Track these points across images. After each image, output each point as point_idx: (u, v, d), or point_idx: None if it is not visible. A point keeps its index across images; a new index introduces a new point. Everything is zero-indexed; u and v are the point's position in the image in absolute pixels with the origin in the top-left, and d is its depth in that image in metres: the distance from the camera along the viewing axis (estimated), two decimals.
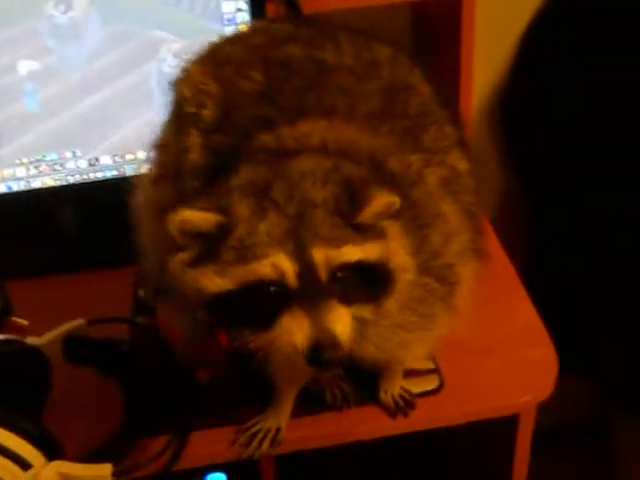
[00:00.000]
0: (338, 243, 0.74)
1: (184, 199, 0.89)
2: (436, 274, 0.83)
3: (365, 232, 0.75)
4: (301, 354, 0.73)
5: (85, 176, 1.29)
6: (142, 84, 1.23)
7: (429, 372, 1.09)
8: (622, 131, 1.31)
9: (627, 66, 1.30)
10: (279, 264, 0.73)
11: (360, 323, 0.77)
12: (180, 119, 0.93)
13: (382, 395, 1.06)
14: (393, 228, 0.77)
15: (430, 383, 1.08)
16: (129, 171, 1.30)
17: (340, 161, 0.78)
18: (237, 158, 0.82)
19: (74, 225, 1.34)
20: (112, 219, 1.31)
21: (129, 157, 1.29)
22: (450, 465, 1.36)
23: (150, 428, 1.03)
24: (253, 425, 1.03)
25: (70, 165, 1.28)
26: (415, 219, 0.81)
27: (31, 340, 1.09)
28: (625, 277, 1.32)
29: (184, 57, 1.21)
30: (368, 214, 0.74)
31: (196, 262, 0.76)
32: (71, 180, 1.30)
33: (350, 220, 0.74)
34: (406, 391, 1.06)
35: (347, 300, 0.75)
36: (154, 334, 1.16)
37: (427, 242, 0.82)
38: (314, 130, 0.82)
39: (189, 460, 1.00)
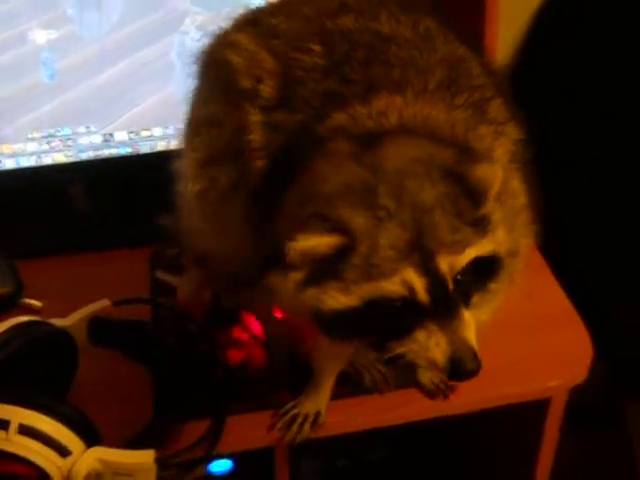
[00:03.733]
0: (461, 247, 0.72)
1: (249, 181, 0.86)
2: (509, 248, 0.80)
3: (479, 225, 0.73)
4: (441, 369, 0.72)
5: (99, 152, 1.25)
6: (163, 57, 1.19)
7: None
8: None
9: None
10: (409, 280, 0.71)
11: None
12: (230, 93, 0.88)
13: (422, 377, 1.04)
14: (497, 213, 0.75)
15: None
16: (144, 148, 1.26)
17: (429, 146, 0.75)
18: (312, 141, 0.79)
19: (85, 204, 1.29)
20: (125, 198, 1.29)
21: (145, 133, 1.25)
22: (476, 448, 1.35)
23: (184, 413, 1.00)
24: (292, 408, 1.00)
25: (83, 141, 1.24)
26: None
27: (56, 321, 1.05)
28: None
29: (208, 29, 1.18)
30: (488, 207, 0.73)
31: (314, 280, 0.73)
32: (83, 157, 1.25)
33: (469, 218, 0.72)
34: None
35: (467, 299, 0.74)
36: (179, 314, 1.13)
37: (506, 214, 0.79)
38: (390, 107, 0.79)
39: (228, 445, 0.97)
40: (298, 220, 0.73)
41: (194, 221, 0.97)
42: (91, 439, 0.89)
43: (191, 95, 0.96)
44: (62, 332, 1.03)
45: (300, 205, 0.76)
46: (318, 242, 0.71)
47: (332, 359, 0.99)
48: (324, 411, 1.01)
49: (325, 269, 0.72)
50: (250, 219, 0.86)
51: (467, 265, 0.72)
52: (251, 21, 0.95)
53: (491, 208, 0.74)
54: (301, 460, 1.40)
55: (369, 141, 0.76)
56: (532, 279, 1.18)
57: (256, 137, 0.85)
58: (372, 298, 0.72)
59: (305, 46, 0.85)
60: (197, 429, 0.97)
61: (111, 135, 1.24)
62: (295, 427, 0.99)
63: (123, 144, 1.25)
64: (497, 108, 0.85)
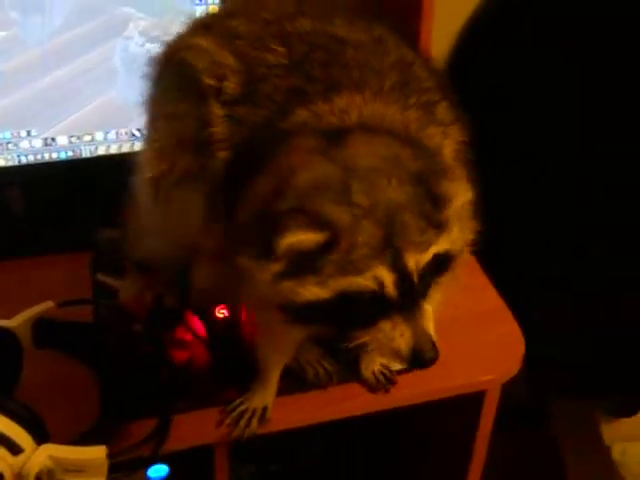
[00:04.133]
0: (426, 246, 0.77)
1: (211, 172, 0.89)
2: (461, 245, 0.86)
3: (441, 226, 0.78)
4: (403, 358, 0.78)
5: (39, 156, 1.25)
6: (105, 62, 1.20)
7: None
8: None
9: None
10: (380, 276, 0.75)
11: None
12: (192, 89, 0.90)
13: (363, 371, 1.07)
14: (453, 214, 0.80)
15: None
16: (85, 152, 1.26)
17: (393, 145, 0.80)
18: (276, 135, 0.82)
19: (25, 208, 1.29)
20: (65, 202, 1.29)
21: (86, 138, 1.25)
22: (412, 441, 1.39)
23: (130, 412, 1.01)
24: (239, 405, 1.02)
25: (24, 145, 1.23)
26: None
27: (0, 322, 1.04)
28: (570, 264, 1.40)
29: (152, 35, 1.20)
30: (450, 212, 0.78)
31: (292, 273, 0.76)
32: (23, 160, 1.25)
33: (433, 220, 0.77)
34: (386, 367, 1.08)
35: (426, 293, 0.79)
36: (124, 315, 1.14)
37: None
38: (351, 105, 0.84)
39: (176, 442, 0.98)
40: (275, 214, 0.77)
41: (146, 213, 0.99)
42: (41, 436, 0.89)
43: (147, 100, 0.99)
44: (7, 332, 1.03)
45: (273, 198, 0.79)
46: (304, 237, 0.74)
47: (276, 354, 1.02)
48: (271, 406, 1.03)
49: (305, 263, 0.75)
50: (210, 209, 0.89)
51: (429, 262, 0.78)
52: (206, 25, 0.98)
53: (452, 214, 0.80)
54: (236, 463, 1.41)
55: (334, 137, 0.80)
56: (465, 276, 1.25)
57: (219, 129, 0.88)
58: (345, 291, 0.76)
59: (267, 46, 0.89)
60: (143, 427, 0.98)
61: (53, 139, 1.24)
62: (243, 422, 1.01)
63: (64, 148, 1.25)
64: (444, 110, 0.90)
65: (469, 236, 0.88)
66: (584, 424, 1.69)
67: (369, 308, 0.77)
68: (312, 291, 0.76)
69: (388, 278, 0.75)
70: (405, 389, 1.08)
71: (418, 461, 1.41)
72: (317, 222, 0.74)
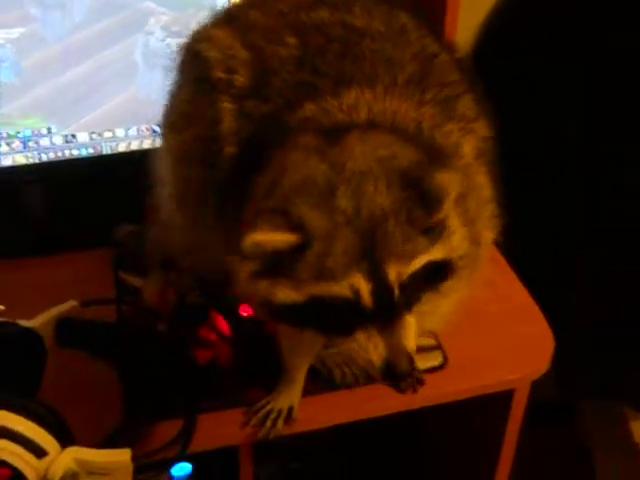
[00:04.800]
0: (410, 256, 0.74)
1: (218, 170, 0.87)
2: (472, 239, 0.83)
3: (433, 232, 0.75)
4: (376, 370, 0.76)
5: (60, 154, 1.24)
6: (126, 58, 1.18)
7: (432, 349, 1.10)
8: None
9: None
10: (356, 285, 0.73)
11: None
12: (203, 83, 0.89)
13: None
14: (454, 218, 0.77)
15: (434, 359, 1.09)
16: (106, 149, 1.25)
17: (395, 145, 0.77)
18: (282, 131, 0.80)
19: (46, 205, 1.27)
20: (87, 199, 1.27)
21: (107, 135, 1.24)
22: (439, 440, 1.37)
23: (154, 413, 1.00)
24: (265, 405, 1.01)
25: (44, 142, 1.22)
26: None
27: (23, 322, 1.03)
28: (599, 259, 1.37)
29: (173, 29, 1.19)
30: (441, 216, 0.75)
31: (267, 274, 0.75)
32: (44, 158, 1.23)
33: (422, 225, 0.74)
34: (414, 368, 1.06)
35: (412, 302, 0.76)
36: (148, 314, 1.12)
37: (467, 212, 0.82)
38: (360, 101, 0.81)
39: (201, 442, 0.97)
40: (259, 212, 0.75)
41: (173, 221, 0.98)
42: (66, 439, 0.88)
43: (170, 88, 0.97)
44: (30, 332, 1.02)
45: (265, 197, 0.77)
46: (273, 237, 0.72)
47: (300, 354, 1.00)
48: (297, 406, 1.02)
49: (278, 264, 0.74)
50: (218, 211, 0.88)
51: (417, 271, 0.75)
52: (229, 16, 0.96)
53: (447, 213, 0.76)
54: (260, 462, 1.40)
55: (335, 136, 0.78)
56: (493, 274, 1.23)
57: (227, 124, 0.86)
58: (318, 297, 0.74)
59: (280, 39, 0.87)
60: (168, 428, 0.97)
61: (73, 136, 1.22)
62: (269, 423, 1.00)
63: (85, 145, 1.24)
64: (466, 104, 0.87)
65: (486, 230, 0.86)
66: (613, 421, 1.66)
67: (345, 316, 0.75)
68: (286, 293, 0.74)
69: (364, 287, 0.73)
70: (432, 388, 1.06)
71: (445, 460, 1.39)
72: (290, 224, 0.72)
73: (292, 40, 0.86)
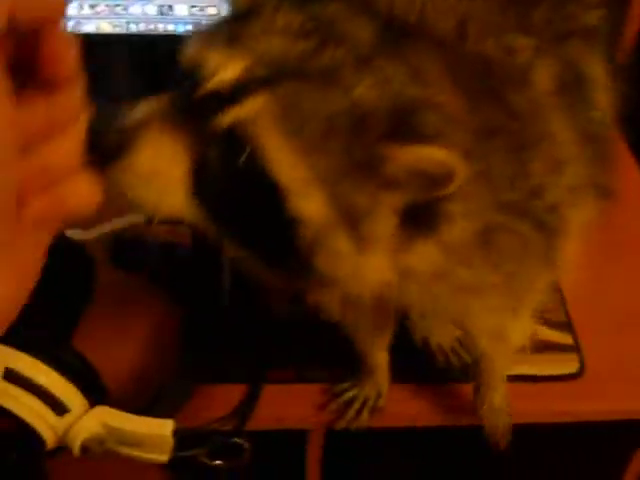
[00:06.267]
0: None
1: None
2: (535, 218, 0.60)
3: None
4: None
5: (152, 26, 1.02)
6: None
7: (566, 349, 0.86)
8: None
9: None
10: None
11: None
12: None
13: (434, 346, 0.85)
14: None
15: (567, 365, 0.85)
16: None
17: None
18: None
19: (129, 86, 1.07)
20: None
21: (211, 11, 1.02)
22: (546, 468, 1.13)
23: (214, 372, 0.81)
24: (349, 389, 0.81)
25: (135, 10, 1.01)
26: (511, 137, 0.57)
27: (74, 234, 0.85)
28: None
29: None
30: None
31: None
32: (133, 29, 1.02)
33: None
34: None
35: None
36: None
37: (526, 173, 0.58)
38: None
39: (263, 421, 0.78)
40: None
41: None
42: (96, 396, 0.71)
43: None
44: (80, 249, 0.84)
45: None
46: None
47: (371, 340, 0.79)
48: (385, 393, 0.82)
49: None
50: None
51: None
52: None
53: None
54: None
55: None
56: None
57: None
58: None
59: None
60: (226, 395, 0.79)
61: (170, 7, 1.01)
62: (352, 412, 0.80)
63: (182, 20, 1.02)
64: (550, 13, 0.62)
65: (570, 208, 0.62)
66: None
67: None
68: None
69: None
70: (562, 402, 0.83)
71: None
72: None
73: None
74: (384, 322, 0.79)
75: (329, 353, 0.83)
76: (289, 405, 0.80)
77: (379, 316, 0.76)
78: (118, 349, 0.79)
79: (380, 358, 0.81)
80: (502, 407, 0.79)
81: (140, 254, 0.87)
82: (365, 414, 0.80)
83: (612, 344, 0.87)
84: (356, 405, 0.80)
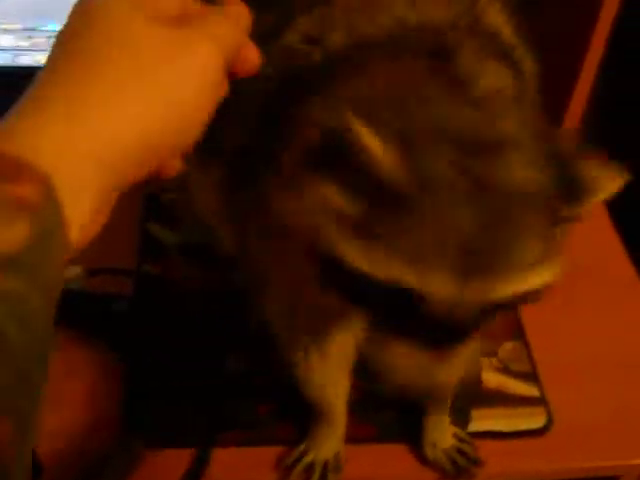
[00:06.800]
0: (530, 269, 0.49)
1: None
2: None
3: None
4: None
5: None
6: None
7: (533, 402, 0.82)
8: None
9: None
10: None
11: None
12: None
13: (429, 451, 0.78)
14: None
15: (534, 419, 0.81)
16: None
17: None
18: None
19: None
20: None
21: None
22: None
23: (160, 436, 0.75)
24: (303, 454, 0.75)
25: None
26: None
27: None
28: None
29: None
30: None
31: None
32: None
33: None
34: (463, 440, 0.79)
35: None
36: (167, 288, 0.86)
37: None
38: None
39: None
40: None
41: None
42: (31, 474, 0.65)
43: None
44: None
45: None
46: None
47: (327, 384, 0.74)
48: (343, 451, 0.76)
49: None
50: None
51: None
52: None
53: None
54: None
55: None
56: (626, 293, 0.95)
57: None
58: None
59: None
60: (174, 460, 0.74)
61: None
62: (315, 478, 0.75)
63: None
64: None
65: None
66: None
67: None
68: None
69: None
70: (528, 460, 0.78)
71: None
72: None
73: None
74: (345, 374, 0.74)
75: (283, 411, 0.79)
76: (241, 469, 0.75)
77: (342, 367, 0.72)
78: (52, 419, 0.73)
79: (340, 413, 0.76)
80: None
81: (77, 307, 0.81)
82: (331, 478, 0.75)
83: (581, 398, 0.83)
84: (317, 470, 0.74)
